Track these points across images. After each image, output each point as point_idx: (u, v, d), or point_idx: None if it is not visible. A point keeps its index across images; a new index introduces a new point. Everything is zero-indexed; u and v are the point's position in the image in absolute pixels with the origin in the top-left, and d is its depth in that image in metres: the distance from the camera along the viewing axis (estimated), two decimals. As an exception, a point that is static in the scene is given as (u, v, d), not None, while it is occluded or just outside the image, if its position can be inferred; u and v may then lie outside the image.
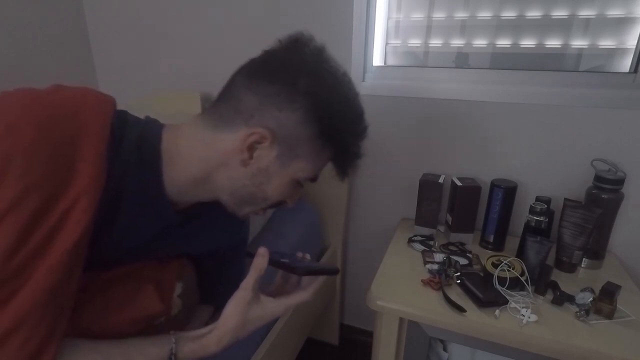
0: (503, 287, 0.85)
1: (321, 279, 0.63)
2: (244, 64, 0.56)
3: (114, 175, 0.48)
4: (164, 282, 0.61)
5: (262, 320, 0.57)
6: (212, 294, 0.74)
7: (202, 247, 0.70)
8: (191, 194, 0.57)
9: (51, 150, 0.42)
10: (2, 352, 0.40)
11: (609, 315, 0.79)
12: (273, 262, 0.59)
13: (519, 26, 1.05)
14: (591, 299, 0.79)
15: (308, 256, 0.66)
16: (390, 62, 1.19)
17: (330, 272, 0.65)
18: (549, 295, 0.85)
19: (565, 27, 1.01)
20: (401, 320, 0.87)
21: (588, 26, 1.00)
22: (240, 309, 0.55)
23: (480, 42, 1.09)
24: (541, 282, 0.86)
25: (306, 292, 0.61)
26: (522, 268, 0.87)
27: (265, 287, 0.62)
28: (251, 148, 0.53)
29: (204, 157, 0.54)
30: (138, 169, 0.51)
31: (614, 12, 0.97)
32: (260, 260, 0.58)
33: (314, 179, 0.60)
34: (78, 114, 0.45)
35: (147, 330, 0.56)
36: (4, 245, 0.39)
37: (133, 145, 0.50)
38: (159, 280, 0.61)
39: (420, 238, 1.09)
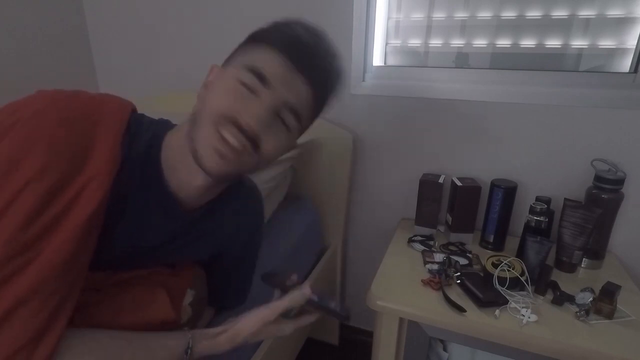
0: (503, 287, 0.85)
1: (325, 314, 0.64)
2: None
3: (125, 169, 0.50)
4: (175, 289, 0.62)
5: (272, 335, 0.61)
6: (216, 297, 0.74)
7: (211, 250, 0.70)
8: (185, 178, 0.55)
9: (71, 136, 0.46)
10: (12, 321, 0.41)
11: (609, 315, 0.79)
12: (313, 304, 0.60)
13: (519, 26, 1.05)
14: (591, 299, 0.79)
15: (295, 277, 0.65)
16: (390, 62, 1.19)
17: (339, 316, 0.63)
18: (549, 295, 0.85)
19: (565, 27, 1.01)
20: (401, 320, 0.87)
21: (588, 26, 1.00)
22: (260, 325, 0.58)
23: (480, 42, 1.09)
24: (541, 282, 0.86)
25: (312, 316, 0.63)
26: (522, 268, 0.87)
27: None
28: (205, 85, 0.55)
29: (180, 128, 0.56)
30: (145, 166, 0.53)
31: (614, 12, 0.97)
32: (300, 298, 0.59)
33: (257, 73, 0.50)
34: (97, 110, 0.50)
35: None
36: (21, 214, 0.42)
37: (145, 144, 0.53)
38: (170, 287, 0.61)
39: (420, 238, 1.09)
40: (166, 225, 0.58)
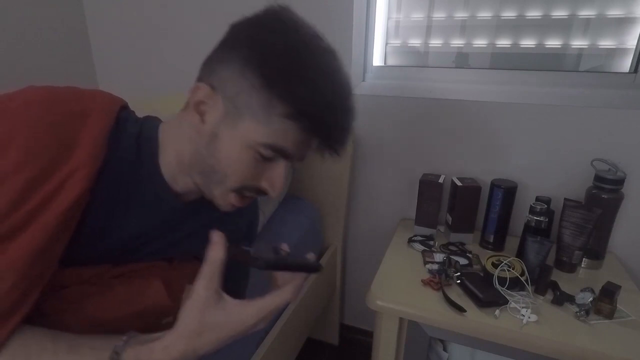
0: (503, 287, 0.85)
1: (301, 276, 0.49)
2: None
3: (113, 162, 0.50)
4: (173, 282, 0.61)
5: (225, 328, 0.46)
6: None
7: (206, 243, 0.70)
8: (180, 180, 0.57)
9: (54, 128, 0.46)
10: None
11: (609, 315, 0.79)
12: (233, 253, 0.46)
13: (519, 26, 1.05)
14: (591, 299, 0.79)
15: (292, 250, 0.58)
16: (390, 62, 1.19)
17: (308, 268, 0.49)
18: (549, 295, 0.85)
19: (565, 27, 1.01)
20: (401, 320, 0.87)
21: (588, 26, 1.00)
22: (195, 314, 0.45)
23: (480, 42, 1.09)
24: (541, 282, 0.86)
25: (284, 293, 0.47)
26: (522, 268, 0.87)
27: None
28: (198, 108, 0.52)
29: (178, 135, 0.55)
30: (136, 156, 0.53)
31: (614, 12, 0.97)
32: (215, 252, 0.46)
33: (279, 150, 0.50)
34: (86, 104, 0.50)
35: (154, 329, 0.55)
36: (1, 205, 0.42)
37: (133, 140, 0.53)
38: (168, 279, 0.61)
39: (420, 238, 1.09)
40: (163, 216, 0.59)
